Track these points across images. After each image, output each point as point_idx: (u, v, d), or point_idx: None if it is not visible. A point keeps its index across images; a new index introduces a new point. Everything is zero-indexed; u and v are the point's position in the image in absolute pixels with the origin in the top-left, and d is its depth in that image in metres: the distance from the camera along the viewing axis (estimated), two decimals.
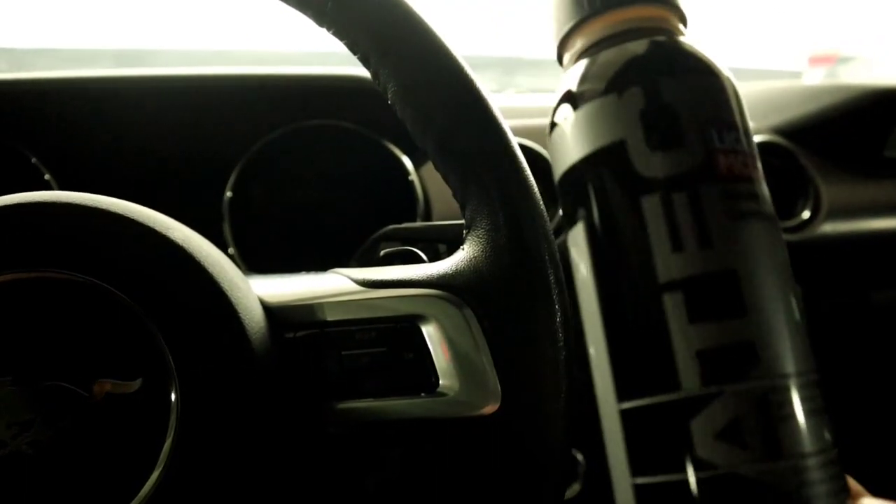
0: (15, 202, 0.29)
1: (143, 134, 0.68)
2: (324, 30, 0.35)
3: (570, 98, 0.24)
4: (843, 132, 0.81)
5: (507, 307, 0.32)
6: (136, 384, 0.28)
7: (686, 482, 0.21)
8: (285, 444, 0.31)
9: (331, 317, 0.32)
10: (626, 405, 0.22)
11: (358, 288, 0.33)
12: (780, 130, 0.80)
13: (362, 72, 0.71)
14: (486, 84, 0.35)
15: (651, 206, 0.22)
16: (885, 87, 0.81)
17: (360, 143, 0.70)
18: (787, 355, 0.21)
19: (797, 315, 0.22)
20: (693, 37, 0.24)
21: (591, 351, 0.24)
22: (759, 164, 0.23)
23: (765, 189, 0.23)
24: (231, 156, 0.68)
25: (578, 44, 0.25)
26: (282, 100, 0.70)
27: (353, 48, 0.35)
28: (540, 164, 0.69)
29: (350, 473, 0.32)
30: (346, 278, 0.34)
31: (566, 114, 0.24)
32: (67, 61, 1.00)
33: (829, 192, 0.77)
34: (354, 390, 0.32)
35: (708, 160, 0.22)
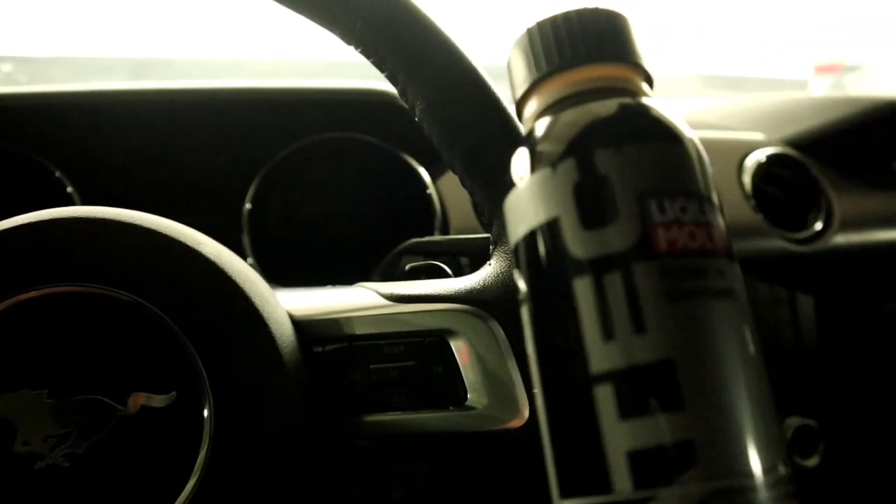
0: (48, 218, 0.30)
1: (163, 146, 0.69)
2: (351, 48, 0.36)
3: (519, 163, 0.23)
4: (854, 144, 0.81)
5: None
6: (170, 397, 0.28)
7: None
8: (315, 456, 0.31)
9: (359, 331, 0.33)
10: (566, 503, 0.20)
11: (386, 302, 0.34)
12: (792, 142, 0.81)
13: (381, 85, 0.71)
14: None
15: (583, 289, 0.20)
16: (895, 100, 0.82)
17: (379, 155, 0.70)
18: (739, 453, 0.19)
19: (762, 404, 0.19)
20: (656, 99, 0.22)
21: (543, 437, 0.22)
22: (720, 233, 0.21)
23: (726, 261, 0.20)
24: (250, 168, 0.69)
25: (532, 104, 0.24)
26: (300, 113, 0.70)
27: (381, 66, 0.35)
28: None
29: (378, 485, 0.32)
30: (373, 292, 0.35)
31: (517, 179, 0.23)
32: (85, 70, 1.01)
33: (840, 203, 0.77)
34: (383, 403, 0.32)
35: (644, 236, 0.20)
